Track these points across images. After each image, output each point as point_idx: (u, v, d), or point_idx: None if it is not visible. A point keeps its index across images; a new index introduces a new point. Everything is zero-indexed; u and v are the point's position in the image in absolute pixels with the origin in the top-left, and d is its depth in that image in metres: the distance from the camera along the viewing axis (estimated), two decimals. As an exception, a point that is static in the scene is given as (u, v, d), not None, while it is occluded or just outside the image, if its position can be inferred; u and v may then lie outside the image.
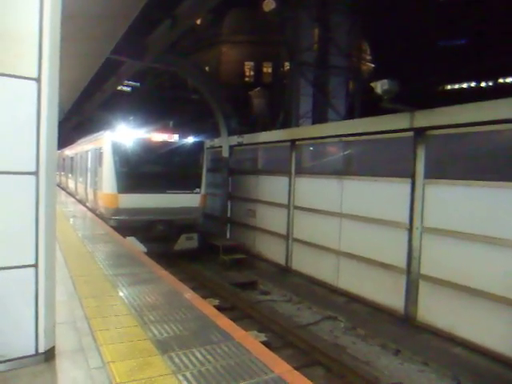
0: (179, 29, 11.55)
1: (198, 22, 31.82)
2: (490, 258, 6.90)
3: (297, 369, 3.24)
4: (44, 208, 2.85)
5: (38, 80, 2.80)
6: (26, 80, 2.76)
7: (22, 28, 2.73)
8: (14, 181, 2.76)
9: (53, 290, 3.05)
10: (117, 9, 7.74)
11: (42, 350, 2.93)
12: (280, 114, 19.30)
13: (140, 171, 12.03)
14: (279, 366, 3.09)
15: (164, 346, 3.31)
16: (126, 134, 11.99)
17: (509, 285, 6.57)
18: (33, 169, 2.81)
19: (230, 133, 15.50)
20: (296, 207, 11.92)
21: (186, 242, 12.68)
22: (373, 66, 29.13)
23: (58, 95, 2.97)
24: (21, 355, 2.85)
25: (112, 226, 10.52)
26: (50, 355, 2.98)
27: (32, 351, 2.90)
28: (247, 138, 14.49)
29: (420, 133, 8.13)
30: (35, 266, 2.85)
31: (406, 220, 8.36)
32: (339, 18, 19.74)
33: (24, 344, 2.87)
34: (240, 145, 14.94)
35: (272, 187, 13.12)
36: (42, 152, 2.82)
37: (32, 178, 2.81)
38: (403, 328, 8.16)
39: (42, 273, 2.88)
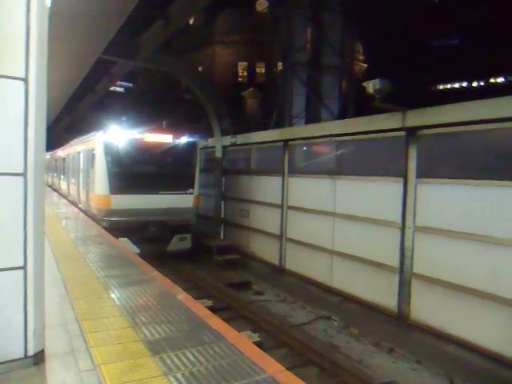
0: (172, 29, 11.52)
1: (191, 22, 31.79)
2: (481, 256, 6.94)
3: (290, 369, 3.25)
4: (32, 209, 2.82)
5: (25, 80, 2.76)
6: (13, 80, 2.73)
7: (7, 27, 2.69)
8: (1, 182, 2.73)
9: (42, 292, 3.02)
10: (108, 8, 7.69)
11: (31, 352, 2.89)
12: (273, 114, 19.30)
13: (132, 172, 11.95)
14: (271, 366, 3.08)
15: (155, 348, 3.29)
16: (119, 134, 11.92)
17: (500, 283, 6.61)
18: (21, 170, 2.77)
19: (224, 133, 15.48)
20: (289, 207, 11.93)
21: (180, 243, 12.63)
22: (365, 65, 29.24)
23: (46, 95, 2.94)
24: (9, 358, 2.81)
25: (104, 228, 10.47)
26: (39, 358, 2.94)
27: (21, 354, 2.86)
28: (240, 138, 14.47)
29: (412, 132, 8.17)
30: (24, 267, 2.82)
31: (399, 219, 8.39)
32: (332, 18, 19.77)
33: (12, 347, 2.84)
34: (233, 145, 14.93)
35: (265, 187, 13.11)
36: (30, 153, 2.79)
37: (20, 179, 2.77)
38: (396, 327, 8.19)
39: (31, 275, 2.85)
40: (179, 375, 2.86)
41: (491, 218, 6.77)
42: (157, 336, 3.53)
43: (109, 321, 3.85)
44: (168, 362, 3.06)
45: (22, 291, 2.83)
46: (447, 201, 7.54)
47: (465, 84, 23.80)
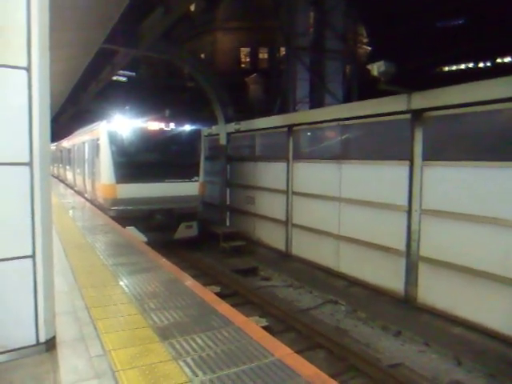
0: (172, 16, 11.39)
1: (192, 8, 31.44)
2: (489, 238, 6.91)
3: (298, 352, 3.27)
4: (39, 198, 2.84)
5: (28, 69, 2.76)
6: (16, 69, 2.73)
7: (9, 16, 2.68)
8: (7, 172, 2.74)
9: (51, 280, 3.05)
10: (108, -4, 7.62)
11: (42, 339, 2.95)
12: (277, 100, 19.18)
13: (137, 161, 11.98)
14: (279, 349, 3.11)
15: (164, 333, 3.33)
16: (123, 123, 11.92)
17: (508, 264, 6.60)
18: (26, 159, 2.78)
19: (227, 120, 15.42)
20: (295, 193, 11.92)
21: (186, 231, 12.70)
22: (369, 48, 28.90)
23: (49, 84, 2.94)
24: (22, 346, 2.87)
25: (111, 217, 10.53)
26: (50, 345, 2.99)
27: (33, 341, 2.91)
28: (244, 125, 14.41)
29: (417, 114, 8.09)
30: (32, 256, 2.85)
31: (405, 202, 8.36)
32: (334, 1, 19.48)
33: (24, 334, 2.89)
34: (237, 132, 14.87)
35: (270, 173, 13.10)
36: (35, 142, 2.80)
37: (26, 168, 2.79)
38: (404, 310, 8.22)
39: (40, 263, 2.88)
40: (188, 359, 2.90)
41: (500, 200, 6.72)
42: (165, 322, 3.57)
43: (118, 308, 3.90)
44: (177, 346, 3.10)
45: (31, 280, 2.87)
46: (454, 183, 7.49)
47: (471, 65, 23.43)
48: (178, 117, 13.38)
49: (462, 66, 23.53)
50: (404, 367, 6.28)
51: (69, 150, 20.06)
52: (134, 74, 30.59)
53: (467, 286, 7.29)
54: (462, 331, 7.16)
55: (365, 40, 29.14)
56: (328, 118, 10.69)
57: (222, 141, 15.77)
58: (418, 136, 8.12)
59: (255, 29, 29.54)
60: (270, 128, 13.14)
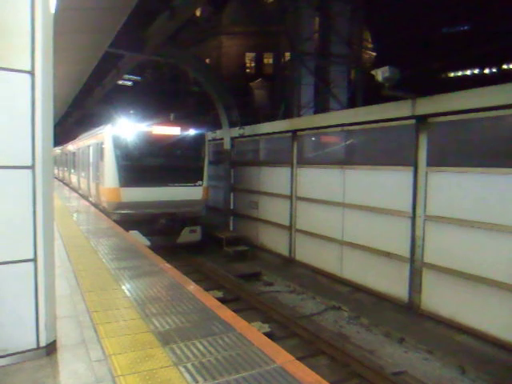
0: (178, 20, 11.44)
1: (198, 13, 31.62)
2: (493, 244, 6.85)
3: (301, 359, 3.24)
4: (41, 202, 2.83)
5: (31, 73, 2.76)
6: (20, 73, 2.73)
7: (13, 20, 2.68)
8: (9, 175, 2.74)
9: (52, 283, 3.05)
10: (113, 0, 7.66)
11: (43, 343, 2.93)
12: (281, 105, 19.21)
13: (142, 165, 12.00)
14: (281, 356, 3.08)
15: (165, 338, 3.31)
16: (127, 127, 11.95)
17: (513, 272, 6.54)
18: (29, 163, 2.78)
19: (232, 124, 15.43)
20: (298, 198, 11.89)
21: (190, 235, 12.68)
22: (374, 54, 28.93)
23: (52, 88, 2.94)
24: (22, 349, 2.86)
25: (115, 220, 10.54)
26: (51, 349, 2.98)
27: (33, 345, 2.90)
28: (249, 130, 14.42)
29: (422, 120, 8.05)
30: (34, 260, 2.84)
31: (409, 208, 8.31)
32: (340, 7, 19.52)
33: (25, 338, 2.88)
34: (241, 136, 14.88)
35: (274, 178, 13.08)
36: (38, 146, 2.80)
37: (28, 172, 2.79)
38: (407, 316, 8.15)
39: (41, 267, 2.87)
40: (189, 365, 2.88)
41: (504, 207, 6.67)
42: (167, 327, 3.55)
43: (119, 312, 3.88)
44: (178, 352, 3.08)
45: (32, 283, 2.86)
46: (459, 189, 7.44)
47: (477, 71, 23.38)
48: (183, 121, 13.40)
49: (468, 72, 23.48)
50: (407, 375, 6.22)
51: (73, 154, 20.15)
52: (139, 78, 30.73)
53: (471, 292, 7.23)
54: (466, 339, 7.09)
55: (370, 45, 29.17)
56: (332, 123, 10.67)
57: (226, 145, 15.78)
58: (423, 142, 8.09)
59: (260, 34, 29.65)
60: (275, 133, 13.14)
